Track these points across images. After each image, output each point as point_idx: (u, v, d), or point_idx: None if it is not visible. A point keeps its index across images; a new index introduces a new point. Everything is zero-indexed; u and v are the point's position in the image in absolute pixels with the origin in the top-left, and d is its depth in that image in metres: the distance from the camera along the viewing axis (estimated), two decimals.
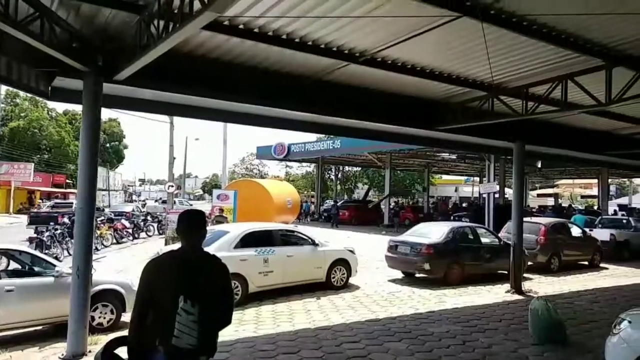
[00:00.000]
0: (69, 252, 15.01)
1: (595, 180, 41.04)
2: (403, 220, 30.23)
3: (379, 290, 11.39)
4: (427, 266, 11.94)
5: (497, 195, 23.37)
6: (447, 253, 12.18)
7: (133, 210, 28.80)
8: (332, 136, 30.76)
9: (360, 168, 48.63)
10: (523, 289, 11.45)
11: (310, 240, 11.24)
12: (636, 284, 13.18)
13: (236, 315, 8.50)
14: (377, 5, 5.53)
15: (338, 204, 35.26)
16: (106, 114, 73.61)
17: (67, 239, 16.16)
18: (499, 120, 9.85)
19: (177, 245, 3.25)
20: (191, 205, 45.78)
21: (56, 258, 14.04)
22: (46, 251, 14.51)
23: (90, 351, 6.41)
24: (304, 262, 10.84)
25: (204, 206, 37.09)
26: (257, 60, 7.52)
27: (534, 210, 34.40)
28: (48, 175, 51.15)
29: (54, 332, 7.56)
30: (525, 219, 13.33)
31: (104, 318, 7.77)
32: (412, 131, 11.65)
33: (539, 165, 25.14)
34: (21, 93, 47.18)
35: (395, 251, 12.83)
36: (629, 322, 5.08)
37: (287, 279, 10.47)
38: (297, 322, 8.38)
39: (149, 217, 25.99)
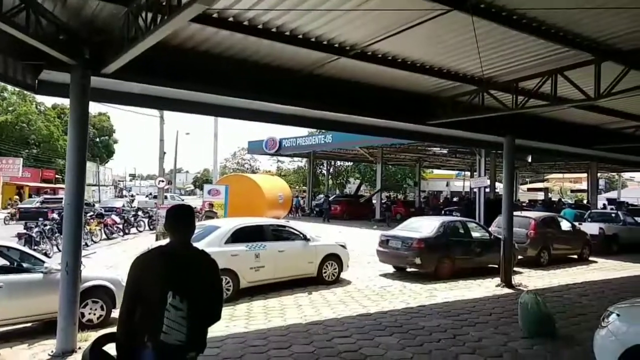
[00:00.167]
0: (58, 248, 14.88)
1: (585, 175, 41.46)
2: (395, 215, 30.30)
3: (370, 284, 11.41)
4: (418, 260, 11.98)
5: (487, 190, 23.48)
6: (438, 247, 12.22)
7: (123, 206, 28.64)
8: (323, 131, 30.71)
9: (352, 163, 48.67)
10: (513, 282, 11.53)
11: (301, 235, 11.22)
12: (624, 277, 13.32)
13: (227, 310, 8.48)
14: None
15: (330, 199, 35.26)
16: (96, 108, 73.20)
17: (56, 234, 16.03)
18: (489, 115, 9.88)
19: (167, 241, 3.22)
20: (183, 200, 45.61)
21: (45, 254, 13.88)
22: (35, 247, 14.41)
23: (80, 348, 6.35)
24: (295, 257, 10.82)
25: (195, 201, 36.98)
26: (247, 54, 7.46)
27: (524, 204, 34.61)
28: (37, 170, 50.69)
29: (43, 329, 7.48)
30: (515, 213, 13.44)
31: (94, 314, 7.71)
32: (403, 125, 11.65)
33: (529, 160, 25.34)
34: (9, 87, 46.58)
35: (386, 246, 12.85)
36: (617, 315, 5.12)
37: (278, 274, 10.45)
38: (289, 317, 8.38)
39: (139, 213, 25.85)
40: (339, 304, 9.38)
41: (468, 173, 46.08)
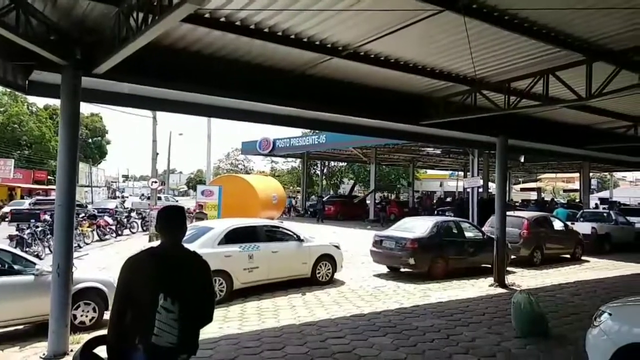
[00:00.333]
0: (50, 250, 14.76)
1: (577, 174, 41.67)
2: (389, 215, 30.34)
3: (364, 285, 11.41)
4: (411, 261, 11.99)
5: (481, 190, 23.56)
6: (431, 247, 12.24)
7: (117, 207, 28.49)
8: (317, 131, 30.71)
9: (345, 163, 48.68)
10: (506, 282, 11.56)
11: (295, 235, 11.20)
12: (616, 277, 13.39)
13: (221, 312, 8.46)
14: None
15: (324, 199, 35.25)
16: (88, 108, 72.86)
17: (48, 236, 15.89)
18: (481, 115, 9.91)
19: (158, 242, 3.20)
20: (177, 201, 45.45)
21: (37, 256, 13.80)
22: (27, 249, 14.30)
23: (71, 350, 6.30)
24: (289, 257, 10.80)
25: (189, 202, 36.87)
26: (239, 54, 7.44)
27: (517, 204, 34.76)
28: (29, 171, 50.35)
29: (35, 331, 7.43)
30: (508, 213, 13.46)
31: (86, 316, 7.66)
32: (396, 126, 11.66)
33: (522, 160, 25.43)
34: (0, 87, 46.28)
35: (380, 246, 12.86)
36: (609, 314, 5.14)
37: (272, 275, 10.42)
38: (282, 318, 8.36)
39: (132, 214, 25.72)
40: (333, 305, 9.38)
41: (461, 173, 46.21)
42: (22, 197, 40.41)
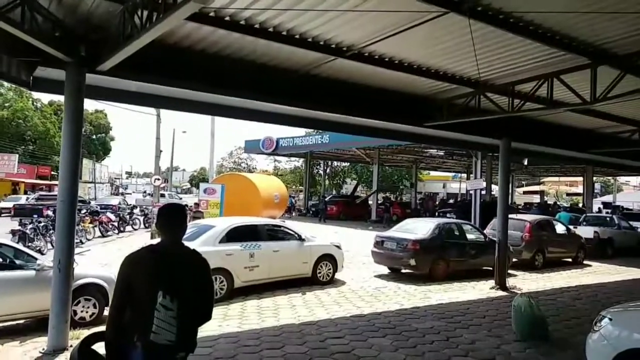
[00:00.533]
0: (52, 245, 14.80)
1: (581, 178, 41.54)
2: (392, 216, 30.33)
3: (364, 285, 11.41)
4: (412, 262, 11.97)
5: (484, 192, 23.51)
6: (432, 249, 12.22)
7: (119, 203, 28.57)
8: (320, 131, 30.69)
9: (348, 163, 48.66)
10: (507, 285, 11.54)
11: (296, 235, 11.20)
12: (618, 282, 13.36)
13: (221, 310, 8.47)
14: None
15: (326, 199, 35.24)
16: (92, 105, 72.95)
17: (50, 231, 15.95)
18: (485, 117, 9.90)
19: (159, 240, 3.21)
20: (181, 198, 45.53)
21: (39, 251, 13.88)
22: (29, 244, 14.35)
23: (71, 346, 6.32)
24: (290, 257, 10.80)
25: (191, 199, 36.90)
26: (244, 53, 7.45)
27: (519, 207, 34.68)
28: (33, 166, 50.58)
29: (35, 326, 7.45)
30: (510, 215, 13.43)
31: (87, 312, 7.68)
32: (399, 127, 11.65)
33: (525, 163, 25.34)
34: (5, 82, 46.40)
35: (381, 247, 12.85)
36: (610, 319, 5.12)
37: (272, 274, 10.42)
38: (282, 317, 8.36)
39: (135, 210, 25.78)
40: (333, 305, 9.37)
41: (464, 175, 46.13)
42: (25, 192, 40.61)
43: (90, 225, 19.11)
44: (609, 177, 57.84)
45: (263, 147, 35.95)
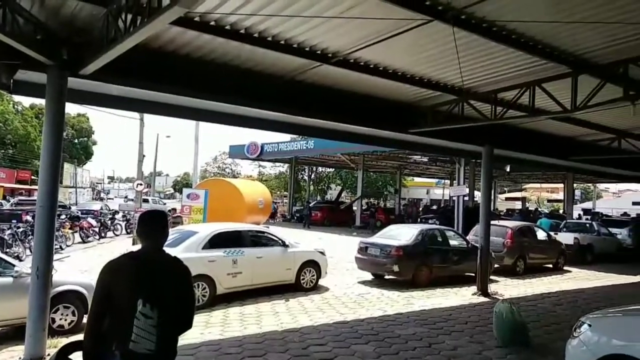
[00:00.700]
0: (31, 251, 14.53)
1: (561, 185, 42.15)
2: (377, 221, 30.42)
3: (348, 292, 11.39)
4: (396, 268, 12.01)
5: (466, 198, 23.69)
6: (415, 255, 12.28)
7: (101, 209, 28.17)
8: (305, 137, 30.68)
9: (333, 169, 48.72)
10: (489, 291, 11.62)
11: (280, 241, 11.15)
12: (597, 287, 13.54)
13: (203, 317, 8.39)
14: (350, 6, 5.52)
15: (311, 205, 35.20)
16: (75, 108, 72.13)
17: (29, 237, 15.62)
18: (468, 125, 9.99)
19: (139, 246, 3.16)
20: (165, 204, 45.04)
21: (17, 257, 13.63)
22: (7, 250, 14.06)
23: (49, 354, 6.19)
24: (273, 263, 10.75)
25: (174, 205, 36.54)
26: (228, 58, 7.42)
27: (501, 213, 35.03)
28: (12, 171, 49.55)
29: (13, 334, 7.31)
30: (492, 222, 13.55)
31: (65, 320, 7.56)
32: (384, 133, 11.71)
33: (508, 169, 25.64)
34: None
35: (365, 253, 12.86)
36: (589, 325, 5.18)
37: (256, 280, 10.36)
38: (265, 324, 8.30)
39: (117, 216, 25.43)
40: (316, 311, 9.34)
41: (448, 181, 46.50)
42: (4, 197, 39.74)
43: (70, 230, 18.79)
44: (589, 184, 58.89)
45: (248, 153, 35.80)
